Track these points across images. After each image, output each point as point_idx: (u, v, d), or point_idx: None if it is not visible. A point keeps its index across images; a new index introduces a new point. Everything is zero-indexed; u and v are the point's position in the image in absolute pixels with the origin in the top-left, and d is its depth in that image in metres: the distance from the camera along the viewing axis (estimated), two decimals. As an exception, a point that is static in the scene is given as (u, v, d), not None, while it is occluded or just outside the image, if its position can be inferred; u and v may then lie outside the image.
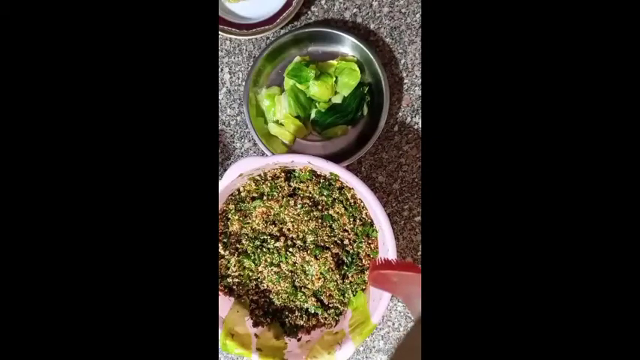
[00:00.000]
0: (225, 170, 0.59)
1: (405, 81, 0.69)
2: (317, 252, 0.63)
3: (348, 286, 0.65)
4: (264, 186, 0.64)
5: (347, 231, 0.65)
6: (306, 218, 0.63)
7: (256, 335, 0.63)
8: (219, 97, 0.70)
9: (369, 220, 0.64)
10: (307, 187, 0.64)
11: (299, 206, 0.63)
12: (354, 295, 0.65)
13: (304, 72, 0.65)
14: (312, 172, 0.64)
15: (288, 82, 0.68)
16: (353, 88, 0.67)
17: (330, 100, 0.68)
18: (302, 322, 0.65)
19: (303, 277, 0.65)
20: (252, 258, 0.64)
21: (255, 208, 0.64)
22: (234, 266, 0.64)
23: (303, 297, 0.65)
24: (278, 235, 0.65)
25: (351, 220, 0.64)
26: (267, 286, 0.66)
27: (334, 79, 0.67)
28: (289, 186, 0.64)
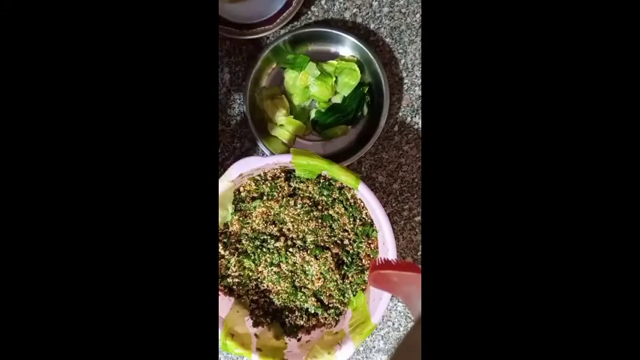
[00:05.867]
0: (225, 170, 0.59)
1: (405, 81, 0.69)
2: (317, 252, 0.63)
3: (348, 286, 0.65)
4: (264, 186, 0.64)
5: (347, 231, 0.65)
6: (306, 218, 0.63)
7: (256, 335, 0.63)
8: (219, 97, 0.70)
9: (369, 220, 0.64)
10: (307, 187, 0.64)
11: (299, 206, 0.63)
12: (354, 295, 0.65)
13: (299, 59, 0.66)
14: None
15: (289, 82, 0.68)
16: (353, 88, 0.67)
17: (330, 100, 0.68)
18: (302, 322, 0.65)
19: (303, 277, 0.65)
20: (252, 258, 0.64)
21: (255, 208, 0.64)
22: (234, 266, 0.64)
23: (303, 297, 0.65)
24: (278, 235, 0.65)
25: (351, 220, 0.64)
26: (267, 286, 0.66)
27: (334, 79, 0.67)
28: (289, 186, 0.64)
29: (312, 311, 0.65)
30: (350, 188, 0.64)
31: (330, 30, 0.66)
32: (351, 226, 0.64)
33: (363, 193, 0.57)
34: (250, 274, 0.65)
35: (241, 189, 0.65)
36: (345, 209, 0.64)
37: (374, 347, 0.72)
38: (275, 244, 0.64)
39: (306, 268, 0.64)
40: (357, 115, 0.68)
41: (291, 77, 0.68)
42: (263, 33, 0.66)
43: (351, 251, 0.65)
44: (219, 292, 0.65)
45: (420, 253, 0.71)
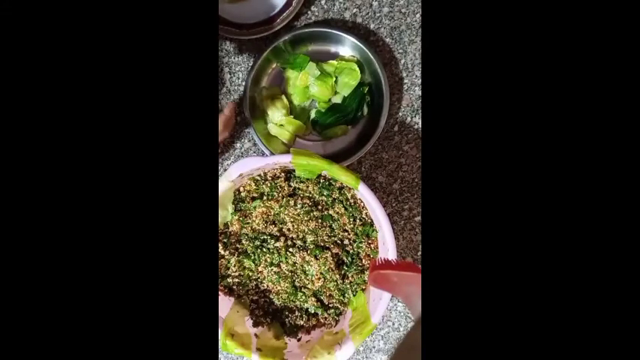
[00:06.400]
0: (226, 170, 0.59)
1: (405, 81, 0.69)
2: (317, 252, 0.63)
3: (348, 286, 0.65)
4: (264, 186, 0.64)
5: (347, 231, 0.65)
6: (306, 218, 0.63)
7: (256, 335, 0.63)
8: (219, 97, 0.70)
9: (369, 220, 0.64)
10: (307, 187, 0.64)
11: (299, 206, 0.63)
12: (354, 295, 0.65)
13: (299, 59, 0.66)
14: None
15: (289, 82, 0.68)
16: (353, 88, 0.67)
17: (330, 100, 0.68)
18: (302, 322, 0.65)
19: (303, 277, 0.65)
20: (252, 258, 0.64)
21: (255, 208, 0.64)
22: (234, 266, 0.64)
23: (303, 297, 0.65)
24: (278, 235, 0.65)
25: (351, 220, 0.64)
26: (267, 286, 0.66)
27: (334, 79, 0.67)
28: (289, 186, 0.64)
29: (312, 311, 0.65)
30: (350, 188, 0.64)
31: (330, 30, 0.66)
32: (351, 226, 0.64)
33: (363, 193, 0.57)
34: (250, 274, 0.65)
35: (241, 189, 0.65)
36: (345, 209, 0.64)
37: (374, 347, 0.72)
38: (275, 244, 0.64)
39: (306, 268, 0.64)
40: (357, 115, 0.68)
41: (291, 77, 0.68)
42: (263, 33, 0.66)
43: (351, 251, 0.65)
44: (219, 292, 0.65)
45: (420, 253, 0.71)
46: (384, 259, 0.52)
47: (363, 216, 0.64)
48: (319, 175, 0.63)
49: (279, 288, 0.65)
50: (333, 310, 0.65)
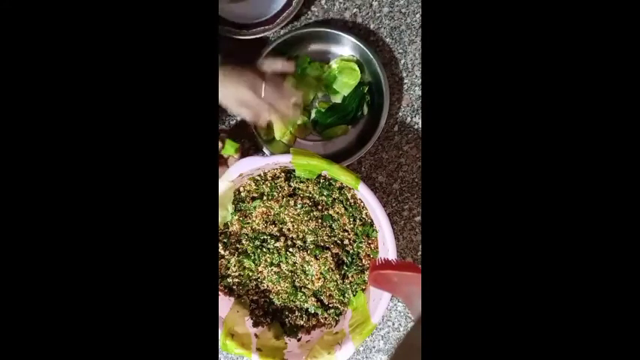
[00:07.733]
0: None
1: (405, 81, 0.69)
2: (317, 252, 0.63)
3: (348, 286, 0.65)
4: (264, 186, 0.64)
5: (347, 231, 0.65)
6: (306, 218, 0.63)
7: (256, 335, 0.63)
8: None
9: (369, 220, 0.64)
10: (307, 187, 0.64)
11: (299, 206, 0.63)
12: (354, 295, 0.65)
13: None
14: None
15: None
16: (353, 88, 0.67)
17: (329, 99, 0.68)
18: (302, 322, 0.65)
19: (303, 277, 0.65)
20: (252, 258, 0.64)
21: (255, 208, 0.64)
22: (234, 266, 0.64)
23: (303, 297, 0.65)
24: (278, 235, 0.65)
25: (351, 220, 0.64)
26: (267, 286, 0.66)
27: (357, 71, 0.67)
28: (289, 186, 0.64)
29: (312, 311, 0.65)
30: (350, 188, 0.64)
31: (330, 30, 0.66)
32: (351, 226, 0.64)
33: (363, 193, 0.57)
34: (250, 274, 0.65)
35: (241, 189, 0.65)
36: (345, 209, 0.64)
37: (374, 347, 0.72)
38: (275, 244, 0.64)
39: (306, 268, 0.64)
40: (357, 114, 0.68)
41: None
42: (263, 33, 0.66)
43: (351, 251, 0.65)
44: (219, 292, 0.65)
45: (420, 253, 0.71)
46: (384, 259, 0.52)
47: (363, 216, 0.64)
48: (319, 175, 0.63)
49: (279, 288, 0.65)
50: (333, 310, 0.65)
